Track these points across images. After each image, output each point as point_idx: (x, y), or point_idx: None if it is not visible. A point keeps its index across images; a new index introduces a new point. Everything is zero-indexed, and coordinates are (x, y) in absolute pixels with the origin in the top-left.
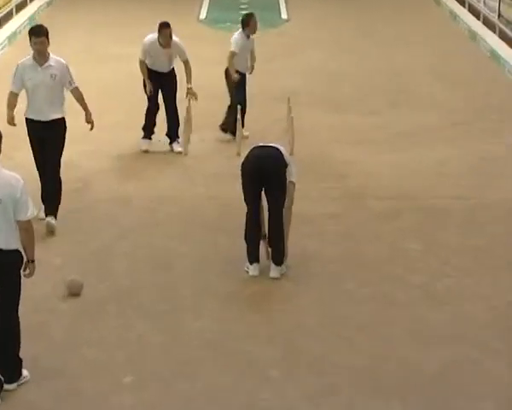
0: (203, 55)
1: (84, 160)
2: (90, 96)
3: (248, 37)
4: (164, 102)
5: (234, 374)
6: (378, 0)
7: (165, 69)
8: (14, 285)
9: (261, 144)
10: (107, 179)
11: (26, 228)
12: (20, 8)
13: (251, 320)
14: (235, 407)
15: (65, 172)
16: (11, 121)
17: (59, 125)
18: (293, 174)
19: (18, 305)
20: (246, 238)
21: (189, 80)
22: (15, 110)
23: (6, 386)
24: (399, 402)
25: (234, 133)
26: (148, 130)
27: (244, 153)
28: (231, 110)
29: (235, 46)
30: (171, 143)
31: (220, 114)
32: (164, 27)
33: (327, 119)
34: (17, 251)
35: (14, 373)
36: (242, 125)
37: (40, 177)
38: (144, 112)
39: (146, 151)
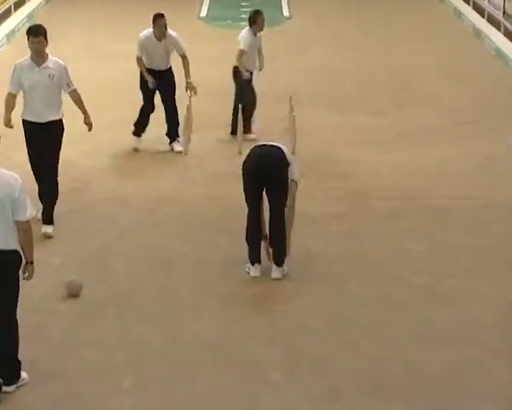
0: (203, 54)
1: (82, 159)
2: (89, 95)
3: (255, 34)
4: (163, 102)
5: (234, 376)
6: None
7: (162, 66)
8: (12, 286)
9: (262, 143)
10: (107, 179)
11: (24, 228)
12: (18, 5)
13: (252, 321)
14: None
15: (63, 172)
16: (8, 123)
17: (56, 127)
18: (295, 173)
19: (16, 306)
20: (247, 239)
21: (187, 75)
22: (13, 112)
23: (4, 388)
24: (402, 404)
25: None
26: (140, 128)
27: (245, 152)
28: (237, 110)
29: (244, 44)
30: (171, 142)
31: (220, 113)
32: (158, 18)
33: (329, 118)
34: (16, 251)
35: (12, 375)
36: (248, 126)
37: (36, 179)
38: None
39: (136, 150)
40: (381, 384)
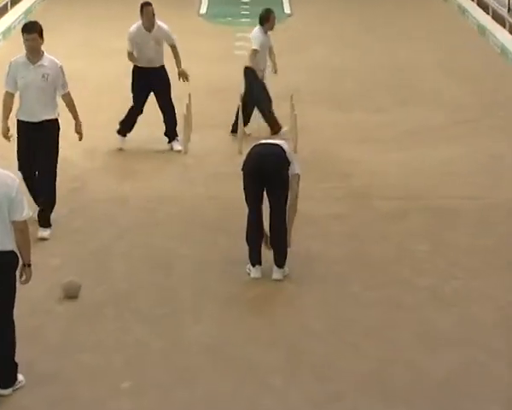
0: (203, 51)
1: (80, 158)
2: (87, 92)
3: (266, 33)
4: (158, 102)
5: (234, 380)
6: None
7: (155, 62)
8: (9, 287)
9: (263, 142)
10: (105, 179)
11: (21, 229)
12: (15, 1)
13: (252, 324)
14: None
15: (61, 172)
16: (6, 134)
17: (51, 127)
18: (296, 168)
19: (13, 307)
20: (247, 240)
21: (179, 63)
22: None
23: (1, 391)
24: (406, 408)
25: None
26: (126, 128)
27: (246, 151)
28: (248, 109)
29: (257, 43)
30: (170, 141)
31: (220, 113)
32: (145, 6)
33: (331, 116)
34: (12, 252)
35: (9, 378)
36: (274, 118)
37: (25, 181)
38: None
39: (121, 149)
40: (384, 387)
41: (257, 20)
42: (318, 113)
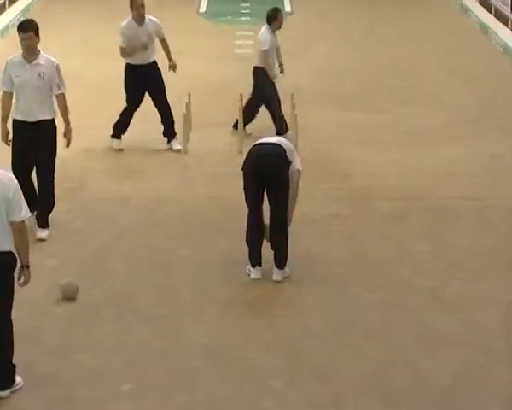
0: (203, 51)
1: (79, 157)
2: (86, 91)
3: (274, 32)
4: (154, 101)
5: (234, 383)
6: None
7: (147, 58)
8: (7, 288)
9: (263, 141)
10: (104, 178)
11: (19, 229)
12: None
13: (252, 326)
14: None
15: (60, 171)
16: (5, 137)
17: (48, 127)
18: (297, 164)
19: (11, 308)
20: (247, 241)
21: (169, 57)
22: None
23: None
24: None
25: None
26: (121, 130)
27: (246, 151)
28: (253, 108)
29: (266, 44)
30: (169, 141)
31: (220, 112)
32: None
33: (331, 116)
34: (10, 253)
35: (7, 380)
36: (283, 121)
37: (20, 183)
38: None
39: (121, 150)
40: (385, 391)
41: (256, 19)
42: (319, 112)
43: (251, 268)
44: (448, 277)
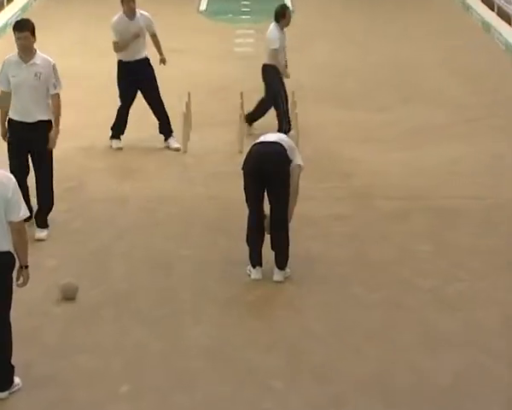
0: (203, 49)
1: (78, 157)
2: (85, 90)
3: (282, 29)
4: (146, 99)
5: (234, 383)
6: None
7: (139, 53)
8: (5, 288)
9: (262, 140)
10: (104, 178)
11: (18, 229)
12: None
13: (252, 326)
14: None
15: (58, 170)
16: (4, 137)
17: (46, 128)
18: (298, 160)
19: (10, 309)
20: (248, 241)
21: (161, 51)
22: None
23: None
24: None
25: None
26: (119, 130)
27: (246, 150)
28: (265, 104)
29: (276, 42)
30: (166, 139)
31: (220, 112)
32: None
33: (333, 115)
34: (9, 253)
35: (5, 381)
36: (288, 120)
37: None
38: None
39: (120, 149)
40: (386, 391)
41: (257, 17)
42: (320, 111)
43: (251, 268)
44: (449, 276)
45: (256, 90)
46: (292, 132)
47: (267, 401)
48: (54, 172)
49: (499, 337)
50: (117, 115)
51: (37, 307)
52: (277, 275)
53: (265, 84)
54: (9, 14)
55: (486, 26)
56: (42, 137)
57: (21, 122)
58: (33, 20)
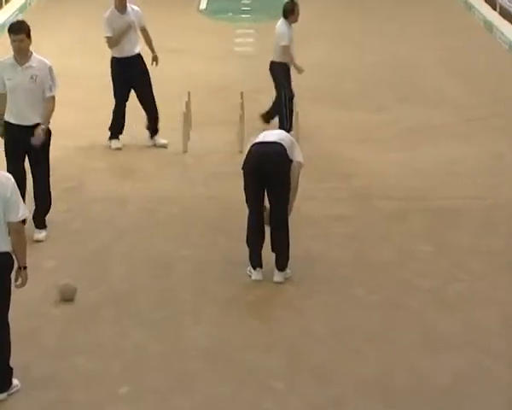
0: (203, 48)
1: (77, 156)
2: (85, 90)
3: (291, 25)
4: (139, 96)
5: (234, 384)
6: None
7: (132, 48)
8: (4, 289)
9: (262, 140)
10: (104, 178)
11: (17, 230)
12: None
13: (252, 327)
14: None
15: (58, 170)
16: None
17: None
18: (298, 156)
19: (8, 310)
20: (248, 243)
21: (152, 48)
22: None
23: None
24: None
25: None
26: (117, 130)
27: (246, 150)
28: (279, 104)
29: (286, 39)
30: (152, 136)
31: (221, 111)
32: None
33: (332, 115)
34: (7, 253)
35: (4, 382)
36: (290, 120)
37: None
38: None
39: (119, 149)
40: (387, 393)
41: (257, 16)
42: (319, 111)
43: (252, 270)
44: (450, 277)
45: (256, 90)
46: (292, 133)
47: (267, 401)
48: (53, 172)
49: (499, 338)
50: (113, 115)
51: (36, 308)
52: (277, 276)
53: (275, 82)
54: (8, 13)
55: (488, 26)
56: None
57: (18, 125)
58: (32, 20)
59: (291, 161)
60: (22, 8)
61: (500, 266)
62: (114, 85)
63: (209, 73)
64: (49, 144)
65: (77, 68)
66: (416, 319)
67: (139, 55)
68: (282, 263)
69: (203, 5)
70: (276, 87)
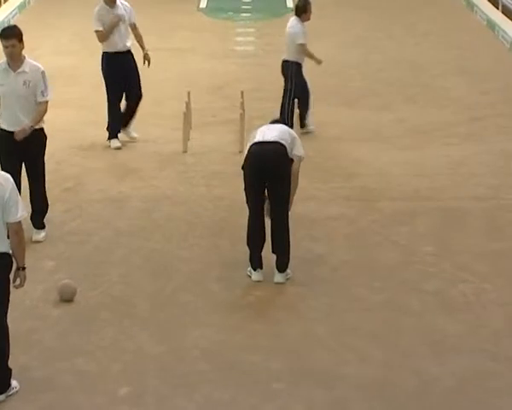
0: (203, 47)
1: (77, 156)
2: (85, 89)
3: (303, 23)
4: (127, 91)
5: (234, 386)
6: None
7: (124, 43)
8: (2, 289)
9: (261, 140)
10: (102, 178)
11: (16, 230)
12: None
13: (253, 329)
14: None
15: (56, 171)
16: None
17: (37, 138)
18: (299, 151)
19: (7, 310)
20: (248, 243)
21: (143, 44)
22: None
23: None
24: None
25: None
26: (115, 128)
27: (246, 148)
28: (302, 100)
29: (302, 37)
30: (125, 129)
31: (221, 111)
32: None
33: (337, 114)
34: (6, 254)
35: (2, 384)
36: (304, 119)
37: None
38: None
39: (119, 148)
40: (390, 396)
41: (257, 15)
42: (323, 110)
43: (252, 270)
44: (456, 279)
45: (256, 89)
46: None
47: (269, 404)
48: (52, 172)
49: (505, 340)
50: (108, 115)
51: (35, 309)
52: (278, 276)
53: (286, 81)
54: (6, 12)
55: (491, 25)
56: (34, 146)
57: (12, 132)
58: (31, 19)
59: (291, 160)
60: (21, 7)
61: (506, 268)
62: (106, 82)
63: (209, 72)
64: (44, 149)
65: (76, 66)
66: (419, 321)
67: (130, 52)
68: (282, 264)
69: (203, 4)
70: (286, 85)
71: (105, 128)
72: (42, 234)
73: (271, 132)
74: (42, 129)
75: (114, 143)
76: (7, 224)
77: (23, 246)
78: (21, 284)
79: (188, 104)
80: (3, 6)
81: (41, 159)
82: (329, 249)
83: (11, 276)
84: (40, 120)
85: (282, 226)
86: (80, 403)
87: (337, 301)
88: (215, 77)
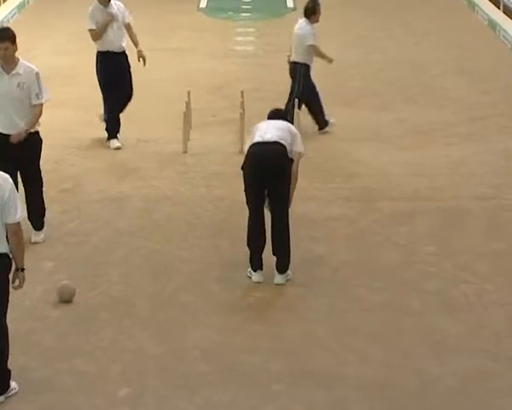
0: (203, 47)
1: (75, 157)
2: (84, 89)
3: (312, 25)
4: (118, 89)
5: (234, 387)
6: None
7: (118, 42)
8: (2, 290)
9: (261, 140)
10: (101, 178)
11: (15, 231)
12: None
13: (253, 329)
14: None
15: (55, 171)
16: None
17: (32, 141)
18: (299, 147)
19: (6, 311)
20: (249, 245)
21: (137, 42)
22: None
23: None
24: None
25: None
26: (113, 129)
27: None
28: (312, 102)
29: (312, 38)
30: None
31: (221, 110)
32: None
33: (336, 113)
34: (5, 255)
35: (1, 385)
36: (321, 115)
37: None
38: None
39: (118, 148)
40: (391, 397)
41: (258, 15)
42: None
43: (252, 271)
44: (456, 280)
45: (256, 89)
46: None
47: (269, 405)
48: (51, 172)
49: (506, 340)
50: (109, 116)
51: (34, 310)
52: (278, 278)
53: (300, 84)
54: (6, 11)
55: (492, 25)
56: (29, 149)
57: (7, 135)
58: (30, 19)
59: (292, 160)
60: (20, 7)
61: (507, 268)
62: (101, 82)
63: (209, 72)
64: (39, 153)
65: (75, 66)
66: (420, 322)
67: (124, 53)
68: (283, 266)
69: (203, 3)
70: (293, 86)
71: (103, 129)
72: (41, 235)
73: (271, 132)
74: (37, 132)
75: (114, 143)
76: (5, 225)
77: (22, 247)
78: (20, 285)
79: (188, 104)
80: (3, 6)
81: (36, 163)
82: (329, 250)
83: (10, 277)
84: (36, 122)
85: (283, 226)
86: (79, 404)
87: (337, 302)
88: (215, 77)
